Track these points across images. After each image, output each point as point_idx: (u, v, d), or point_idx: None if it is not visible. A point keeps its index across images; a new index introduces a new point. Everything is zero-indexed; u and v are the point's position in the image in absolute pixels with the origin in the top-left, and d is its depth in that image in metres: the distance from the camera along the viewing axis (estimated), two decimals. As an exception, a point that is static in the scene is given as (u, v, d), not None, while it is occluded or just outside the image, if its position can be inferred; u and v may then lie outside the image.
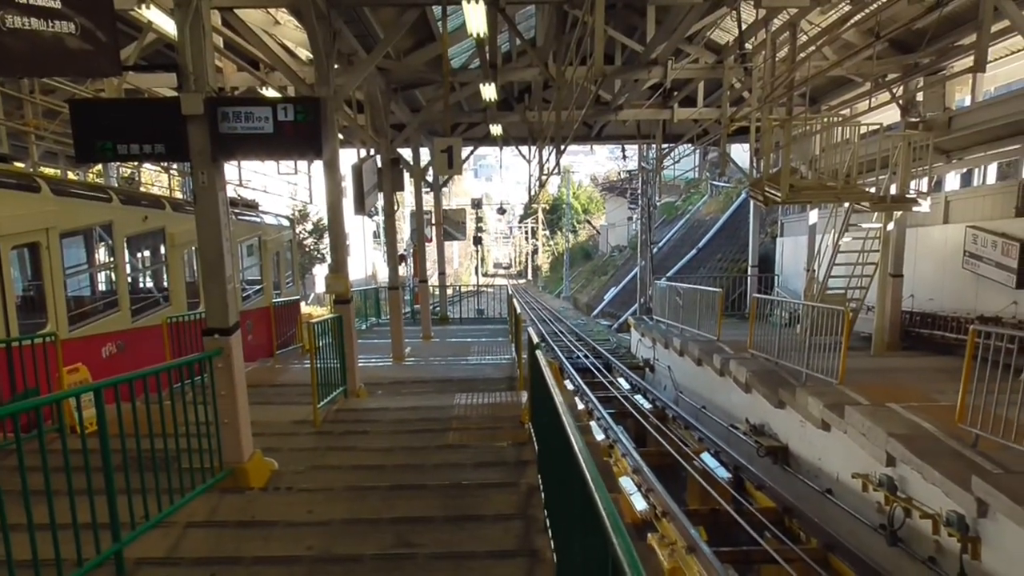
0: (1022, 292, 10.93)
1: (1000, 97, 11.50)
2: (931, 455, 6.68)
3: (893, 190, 11.19)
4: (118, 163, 15.47)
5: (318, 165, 19.65)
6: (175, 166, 16.48)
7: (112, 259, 9.66)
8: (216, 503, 5.64)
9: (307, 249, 36.24)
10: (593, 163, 74.43)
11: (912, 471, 6.87)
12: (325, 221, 36.09)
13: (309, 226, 37.01)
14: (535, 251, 76.11)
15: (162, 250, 11.01)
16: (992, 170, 13.99)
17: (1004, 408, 6.32)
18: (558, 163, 17.98)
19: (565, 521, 3.68)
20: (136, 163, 14.25)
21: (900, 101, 12.00)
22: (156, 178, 17.95)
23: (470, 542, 4.94)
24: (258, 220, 14.71)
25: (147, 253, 11.17)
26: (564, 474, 3.40)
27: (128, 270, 10.07)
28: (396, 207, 14.43)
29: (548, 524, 4.90)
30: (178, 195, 16.15)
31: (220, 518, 5.42)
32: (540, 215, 71.58)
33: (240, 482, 6.00)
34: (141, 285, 10.98)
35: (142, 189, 16.32)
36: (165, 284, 11.16)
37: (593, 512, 2.34)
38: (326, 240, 36.64)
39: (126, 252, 9.95)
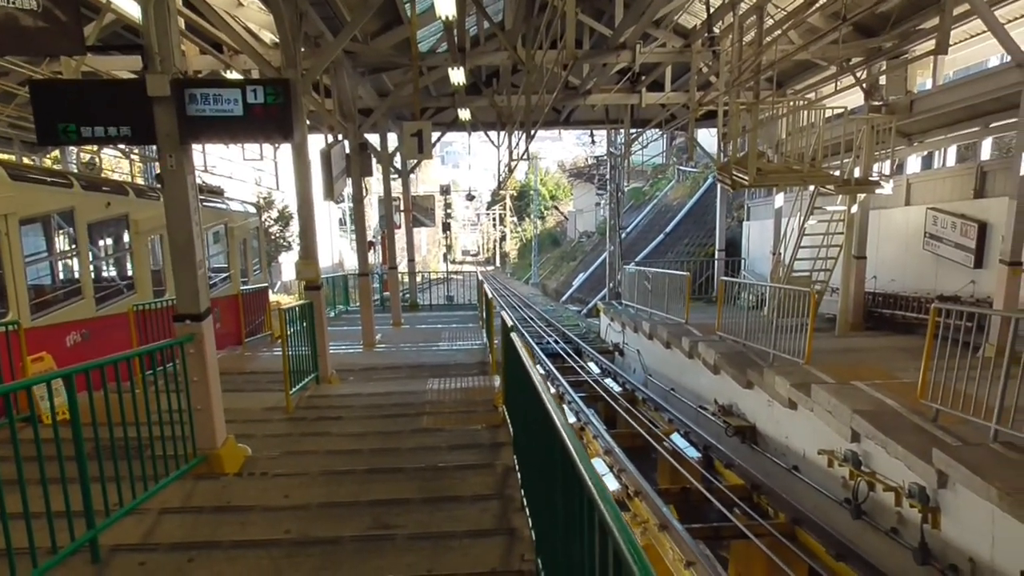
0: (980, 271, 11.21)
1: (959, 81, 11.73)
2: (894, 430, 6.85)
3: (857, 173, 11.38)
4: (78, 149, 15.13)
5: (284, 151, 19.44)
6: (135, 152, 16.16)
7: (75, 246, 9.46)
8: (190, 489, 5.60)
9: (273, 237, 35.81)
10: (560, 149, 74.37)
11: (876, 446, 7.04)
12: (291, 208, 35.89)
13: (275, 214, 36.56)
14: (503, 238, 76.04)
15: (126, 237, 10.81)
16: (952, 153, 14.29)
17: (964, 384, 6.50)
18: (527, 148, 17.98)
19: (544, 496, 3.71)
20: (96, 148, 13.91)
21: (863, 85, 12.19)
22: (116, 164, 17.57)
23: (448, 522, 4.96)
24: (224, 207, 14.49)
25: (110, 240, 10.95)
26: (544, 449, 3.43)
27: (91, 257, 9.87)
28: (365, 193, 14.32)
29: (525, 503, 4.94)
30: (139, 181, 15.87)
31: (195, 504, 5.37)
32: (508, 202, 71.52)
33: (214, 468, 5.96)
34: (105, 273, 10.77)
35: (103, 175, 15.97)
36: (130, 272, 10.96)
37: (577, 480, 2.38)
38: (292, 228, 36.36)
39: (88, 239, 9.74)
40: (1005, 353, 6.02)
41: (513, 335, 5.60)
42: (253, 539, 4.76)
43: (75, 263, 9.50)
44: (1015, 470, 5.65)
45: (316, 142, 14.11)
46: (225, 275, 14.12)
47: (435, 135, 19.22)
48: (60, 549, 4.03)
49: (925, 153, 14.60)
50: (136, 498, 4.91)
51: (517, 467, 5.73)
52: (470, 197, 70.01)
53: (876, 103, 12.06)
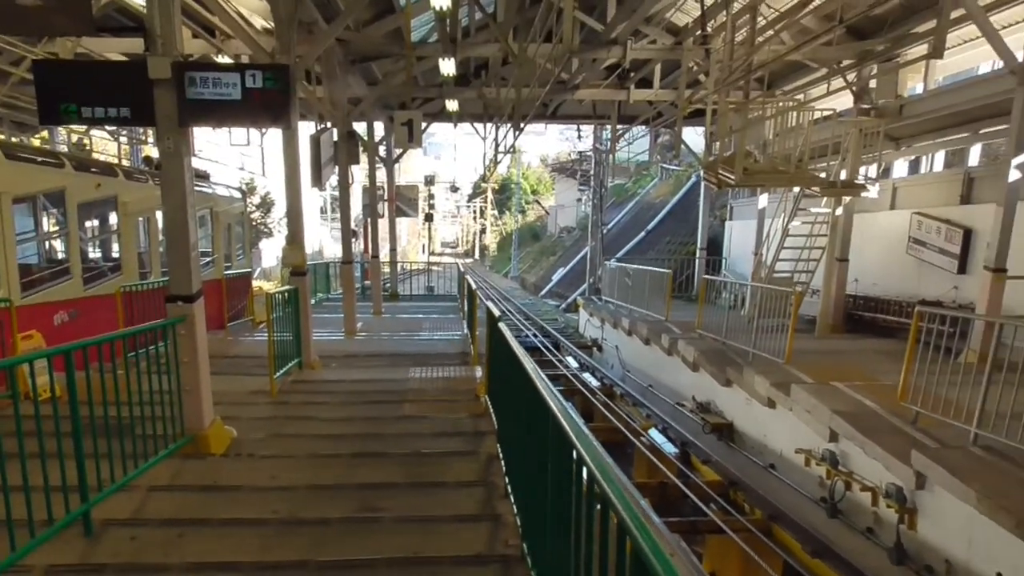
0: (963, 277, 11.36)
1: (951, 86, 11.88)
2: (873, 431, 6.97)
3: (843, 176, 11.53)
4: (67, 130, 14.97)
5: (271, 137, 19.36)
6: (124, 134, 16.03)
7: (65, 226, 9.41)
8: (178, 468, 5.66)
9: (254, 224, 35.61)
10: (543, 143, 74.45)
11: (854, 446, 7.17)
12: (273, 195, 35.71)
13: (256, 200, 36.34)
14: (483, 230, 76.04)
15: (114, 218, 10.77)
16: (939, 158, 14.47)
17: (944, 388, 6.62)
18: (515, 141, 18.03)
19: (533, 482, 3.81)
20: (86, 129, 13.78)
21: (853, 88, 12.32)
22: (104, 146, 17.39)
23: (434, 507, 5.08)
24: (210, 191, 14.44)
25: (99, 221, 10.91)
26: (536, 435, 3.54)
27: (80, 238, 9.84)
28: (351, 181, 14.31)
29: (509, 490, 5.06)
30: (125, 163, 15.73)
31: (183, 482, 5.44)
32: (489, 195, 71.51)
33: (201, 448, 6.02)
34: (93, 254, 10.74)
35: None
36: (117, 253, 10.92)
37: (577, 460, 2.49)
38: (273, 214, 36.16)
39: (78, 219, 9.71)
40: (988, 358, 6.11)
41: (501, 325, 5.71)
42: (241, 518, 4.85)
43: (64, 243, 9.46)
44: (994, 473, 5.77)
45: (304, 129, 14.09)
46: (209, 259, 14.09)
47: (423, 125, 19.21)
48: (56, 521, 4.10)
49: (912, 158, 14.77)
50: (127, 475, 4.98)
51: (501, 456, 5.85)
52: (454, 188, 69.90)
53: (865, 106, 12.21)
